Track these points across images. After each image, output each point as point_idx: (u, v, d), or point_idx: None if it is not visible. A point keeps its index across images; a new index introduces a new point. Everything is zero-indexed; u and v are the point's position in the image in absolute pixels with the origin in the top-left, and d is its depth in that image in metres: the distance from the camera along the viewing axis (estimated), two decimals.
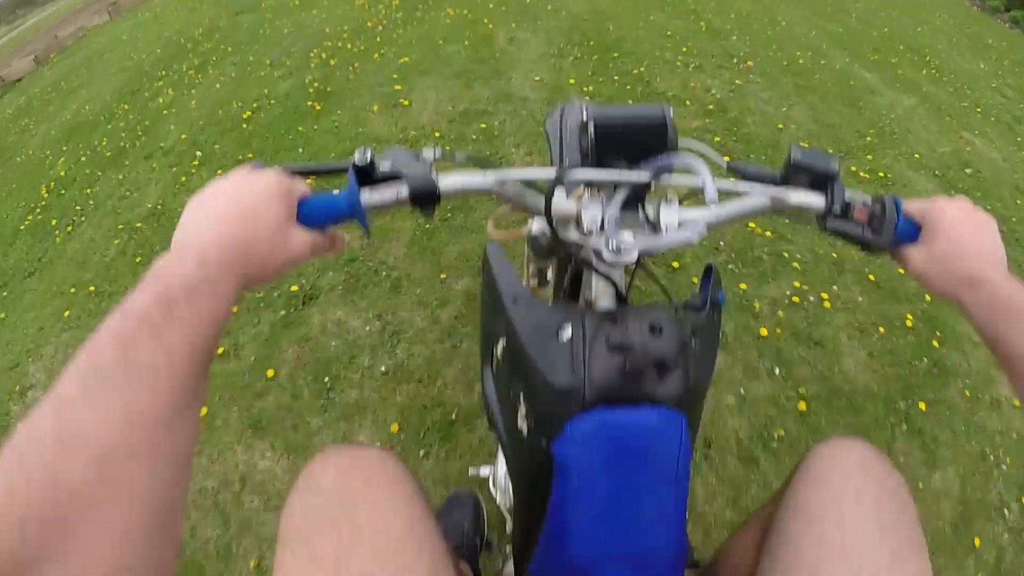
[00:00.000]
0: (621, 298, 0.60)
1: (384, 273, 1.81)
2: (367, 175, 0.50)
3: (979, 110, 3.66)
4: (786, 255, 1.92)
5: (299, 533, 0.45)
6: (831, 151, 2.66)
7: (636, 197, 0.55)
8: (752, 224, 2.04)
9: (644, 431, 0.47)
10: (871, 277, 1.92)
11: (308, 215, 0.47)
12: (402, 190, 0.50)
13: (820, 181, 0.56)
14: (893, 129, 3.03)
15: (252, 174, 0.46)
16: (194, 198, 0.44)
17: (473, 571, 0.93)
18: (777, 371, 1.57)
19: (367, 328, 1.68)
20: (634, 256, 0.52)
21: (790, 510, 0.51)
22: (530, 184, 0.56)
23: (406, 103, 2.87)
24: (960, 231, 0.50)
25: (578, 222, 0.55)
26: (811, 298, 1.78)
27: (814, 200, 0.56)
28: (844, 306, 1.79)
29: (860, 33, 4.66)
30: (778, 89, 3.21)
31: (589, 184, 0.57)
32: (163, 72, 4.37)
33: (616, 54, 3.46)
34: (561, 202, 0.54)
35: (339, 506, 0.46)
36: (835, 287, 1.85)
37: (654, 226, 0.54)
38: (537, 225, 0.83)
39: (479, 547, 1.12)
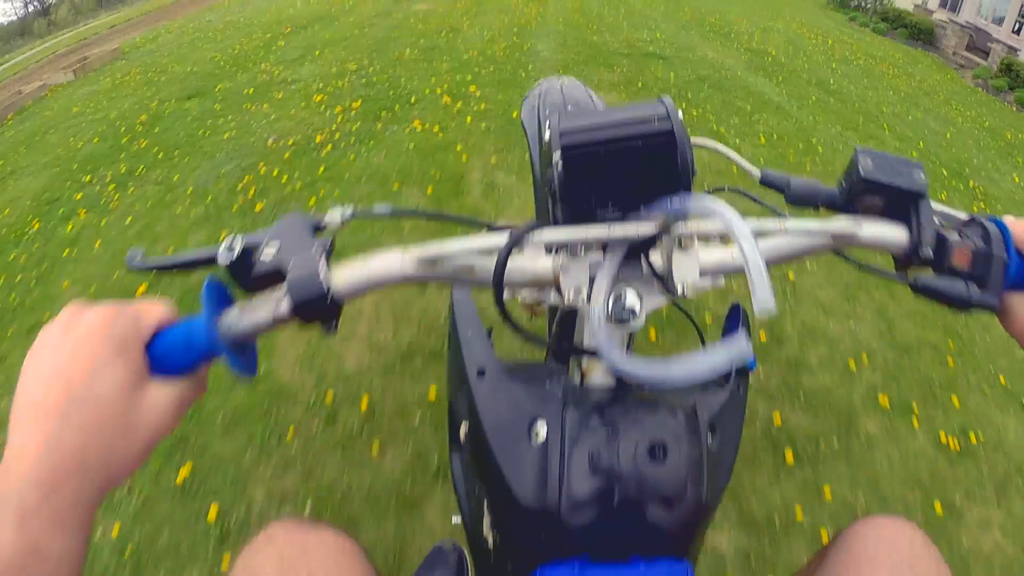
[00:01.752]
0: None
1: None
2: (242, 273, 0.37)
3: None
4: None
5: None
6: (914, 399, 1.94)
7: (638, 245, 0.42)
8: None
9: None
10: None
11: (164, 361, 0.35)
12: (282, 302, 0.36)
13: (899, 202, 0.41)
14: (973, 335, 2.33)
15: (79, 318, 0.33)
16: (24, 366, 0.33)
17: None
18: None
19: None
20: (641, 321, 0.41)
21: None
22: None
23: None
24: None
25: (557, 287, 0.41)
26: None
27: (892, 233, 0.41)
28: None
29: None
30: (837, 283, 2.47)
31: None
32: (88, 177, 3.78)
33: None
34: (526, 266, 0.41)
35: None
36: None
37: (663, 280, 0.41)
38: None
39: None
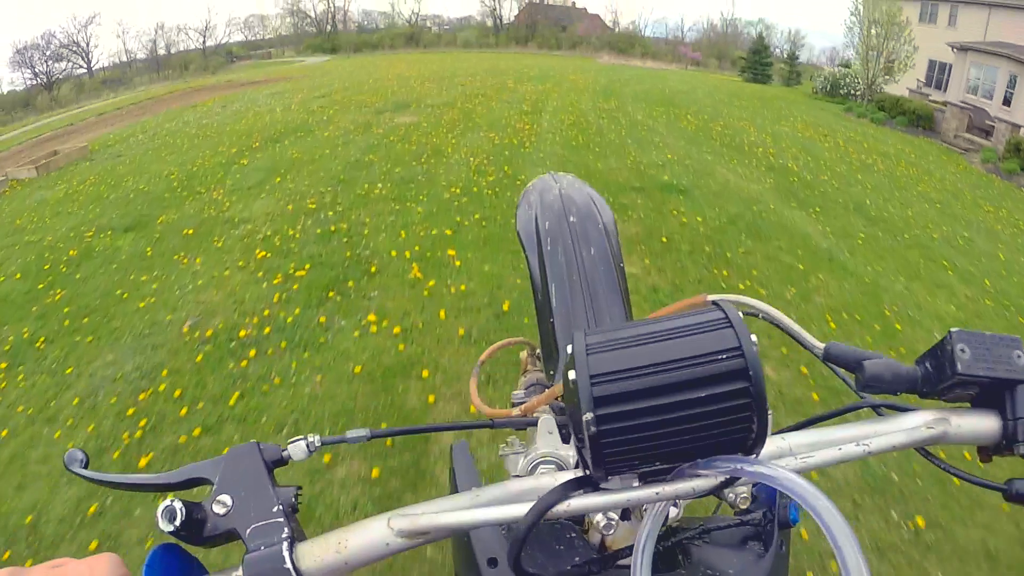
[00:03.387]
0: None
1: None
2: (192, 531, 0.32)
3: None
4: None
5: None
6: None
7: None
8: None
9: None
10: None
11: None
12: None
13: (993, 389, 0.36)
14: None
15: None
16: None
17: None
18: None
19: None
20: (680, 512, 0.36)
21: None
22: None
23: None
24: None
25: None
26: None
27: (984, 425, 0.36)
28: None
29: (974, 301, 3.28)
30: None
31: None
32: None
33: None
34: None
35: None
36: None
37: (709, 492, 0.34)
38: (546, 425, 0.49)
39: None
